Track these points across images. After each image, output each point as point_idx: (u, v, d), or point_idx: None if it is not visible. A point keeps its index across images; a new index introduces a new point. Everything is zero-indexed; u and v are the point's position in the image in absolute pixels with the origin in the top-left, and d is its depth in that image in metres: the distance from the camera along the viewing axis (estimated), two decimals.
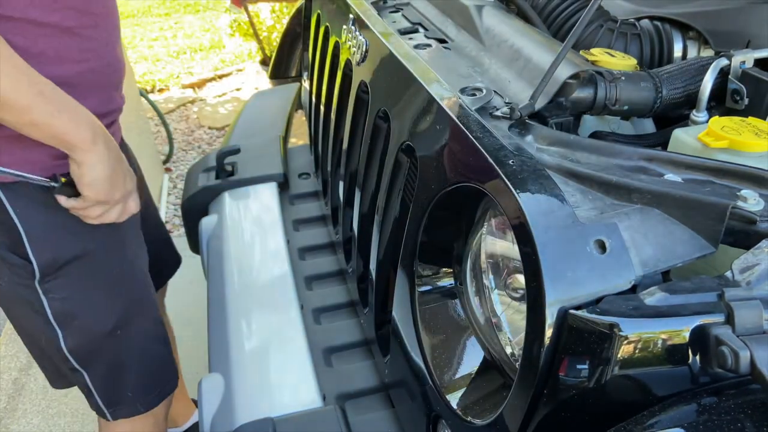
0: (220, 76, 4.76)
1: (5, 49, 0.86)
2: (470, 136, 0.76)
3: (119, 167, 1.02)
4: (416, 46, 1.06)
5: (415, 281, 0.89)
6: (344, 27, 1.28)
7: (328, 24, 1.46)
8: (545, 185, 0.66)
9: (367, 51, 1.15)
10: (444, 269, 0.90)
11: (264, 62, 4.11)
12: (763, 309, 0.56)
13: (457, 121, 0.80)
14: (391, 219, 1.01)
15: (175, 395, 1.41)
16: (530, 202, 0.64)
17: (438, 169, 0.84)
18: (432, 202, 0.83)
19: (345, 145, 1.27)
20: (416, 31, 1.16)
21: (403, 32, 1.15)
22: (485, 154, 0.72)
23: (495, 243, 0.81)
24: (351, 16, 1.25)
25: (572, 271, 0.60)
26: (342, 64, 1.30)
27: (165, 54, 5.25)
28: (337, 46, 1.36)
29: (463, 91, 0.87)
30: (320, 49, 1.52)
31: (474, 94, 0.86)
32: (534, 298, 0.61)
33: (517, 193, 0.65)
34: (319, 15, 1.57)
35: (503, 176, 0.68)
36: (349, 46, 1.24)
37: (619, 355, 0.57)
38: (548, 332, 0.60)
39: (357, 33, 1.20)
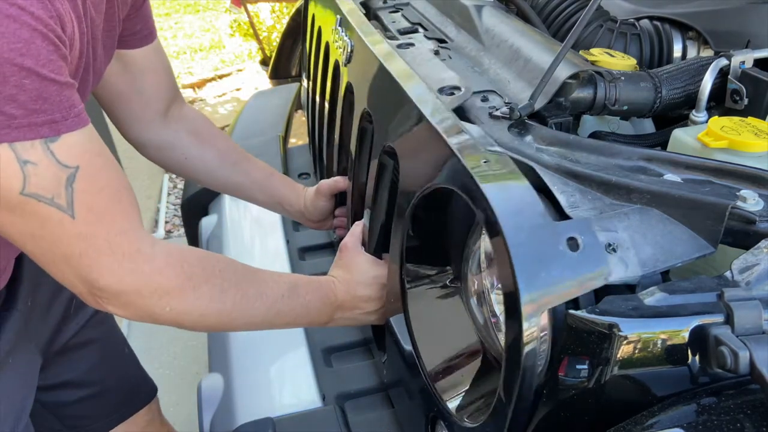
0: (220, 76, 4.75)
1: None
2: (444, 136, 0.75)
3: (367, 296, 0.96)
4: (399, 46, 1.05)
5: (405, 281, 0.88)
6: (332, 27, 1.28)
7: (320, 24, 1.46)
8: (517, 184, 0.66)
9: (352, 52, 1.14)
10: (444, 269, 0.90)
11: (264, 62, 4.11)
12: (763, 309, 0.56)
13: (431, 121, 0.79)
14: (380, 220, 1.01)
15: None
16: (501, 202, 0.63)
17: (417, 170, 0.83)
18: (414, 204, 0.82)
19: (336, 147, 1.27)
20: (416, 31, 1.15)
21: (403, 32, 1.14)
22: (457, 154, 0.71)
23: None
24: (338, 16, 1.24)
25: (546, 270, 0.60)
26: (332, 64, 1.30)
27: None
28: (327, 47, 1.36)
29: (441, 90, 0.87)
30: (315, 49, 1.52)
31: (452, 93, 0.86)
32: (509, 299, 0.61)
33: (488, 193, 0.64)
34: (313, 15, 1.56)
35: (474, 176, 0.67)
36: (337, 46, 1.23)
37: (618, 356, 0.57)
38: (526, 332, 0.60)
39: (343, 34, 1.19)
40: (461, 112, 0.86)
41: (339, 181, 1.21)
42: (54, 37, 0.61)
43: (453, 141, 0.74)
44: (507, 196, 0.64)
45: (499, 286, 0.81)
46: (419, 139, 0.83)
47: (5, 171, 0.61)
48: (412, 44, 1.06)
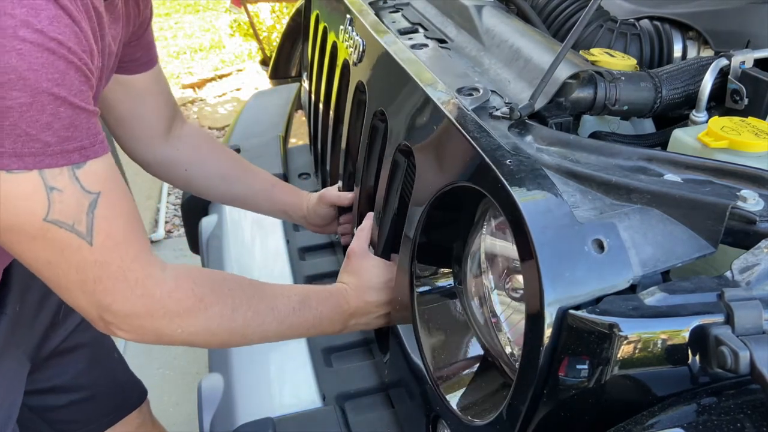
0: (220, 76, 4.75)
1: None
2: (467, 136, 0.76)
3: (372, 304, 0.98)
4: (413, 46, 1.05)
5: (414, 281, 0.89)
6: (341, 27, 1.28)
7: (326, 24, 1.46)
8: (543, 185, 0.66)
9: (363, 51, 1.14)
10: (444, 269, 0.90)
11: (264, 62, 4.11)
12: (763, 309, 0.56)
13: (454, 121, 0.80)
14: (390, 220, 1.01)
15: None
16: (528, 202, 0.64)
17: (435, 169, 0.84)
18: (430, 203, 0.83)
19: (344, 146, 1.27)
20: (416, 31, 1.15)
21: (403, 32, 1.14)
22: (482, 154, 0.72)
23: (495, 243, 0.81)
24: (348, 15, 1.25)
25: (570, 271, 0.60)
26: (340, 63, 1.30)
27: (165, 54, 5.25)
28: (335, 46, 1.36)
29: (460, 91, 0.87)
30: (319, 49, 1.52)
31: (471, 94, 0.86)
32: (533, 298, 0.61)
33: (515, 193, 0.65)
34: (317, 15, 1.56)
35: (500, 176, 0.68)
36: (347, 46, 1.24)
37: (618, 355, 0.57)
38: (547, 332, 0.60)
39: (354, 33, 1.20)
40: None
41: (343, 198, 1.22)
42: (86, 69, 0.64)
43: (477, 141, 0.74)
44: (533, 196, 0.65)
45: (501, 285, 0.81)
46: (440, 138, 0.84)
47: (31, 198, 0.63)
48: (425, 45, 1.07)
